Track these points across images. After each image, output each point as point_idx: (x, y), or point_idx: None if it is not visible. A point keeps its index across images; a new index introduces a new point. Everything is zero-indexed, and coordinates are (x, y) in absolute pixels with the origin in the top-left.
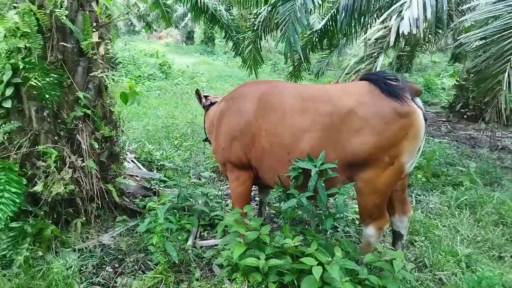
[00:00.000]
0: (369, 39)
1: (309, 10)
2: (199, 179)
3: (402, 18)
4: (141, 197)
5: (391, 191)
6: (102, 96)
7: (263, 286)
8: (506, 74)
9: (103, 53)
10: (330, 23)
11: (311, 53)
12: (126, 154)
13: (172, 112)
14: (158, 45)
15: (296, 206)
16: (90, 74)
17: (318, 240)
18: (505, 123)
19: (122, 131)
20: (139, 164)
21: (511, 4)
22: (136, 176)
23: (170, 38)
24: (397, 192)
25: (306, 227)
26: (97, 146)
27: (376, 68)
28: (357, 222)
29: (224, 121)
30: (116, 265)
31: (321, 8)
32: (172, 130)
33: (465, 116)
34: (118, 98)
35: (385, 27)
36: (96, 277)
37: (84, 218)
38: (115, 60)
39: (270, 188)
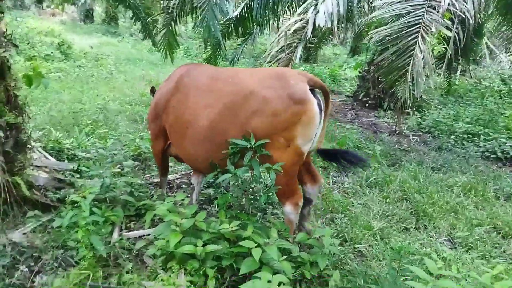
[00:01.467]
0: (288, 30)
1: None
2: (122, 169)
3: (318, 12)
4: (54, 189)
5: (296, 171)
6: (4, 78)
7: (200, 272)
8: (410, 67)
9: (4, 31)
10: (246, 10)
11: (226, 40)
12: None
13: (78, 97)
14: (52, 22)
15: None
16: None
17: (253, 223)
18: (402, 111)
19: (29, 118)
20: (47, 154)
21: (415, 4)
22: (45, 167)
23: (65, 16)
24: (304, 166)
25: (238, 211)
26: (2, 134)
27: (296, 56)
28: None
29: (153, 100)
30: (32, 264)
31: None
32: (82, 117)
33: (367, 104)
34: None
35: (301, 19)
36: (9, 278)
37: None
38: (5, 37)
39: (203, 173)
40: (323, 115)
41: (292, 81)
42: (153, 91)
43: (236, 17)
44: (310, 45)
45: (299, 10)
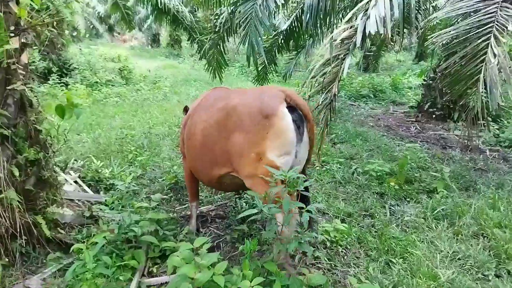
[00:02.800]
0: (334, 40)
1: (272, 11)
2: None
3: (369, 17)
4: (78, 227)
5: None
6: (25, 112)
7: None
8: (482, 74)
9: (26, 62)
10: (296, 24)
11: (277, 54)
12: (69, 174)
13: (129, 122)
14: (122, 49)
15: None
16: (8, 88)
17: (281, 279)
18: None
19: (54, 152)
20: (84, 185)
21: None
22: (78, 200)
23: (135, 41)
24: None
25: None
26: (17, 173)
27: (343, 70)
28: (328, 244)
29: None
30: None
31: (285, 8)
32: (127, 142)
33: (433, 116)
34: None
35: (351, 27)
36: None
37: (6, 259)
38: (69, 66)
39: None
40: (304, 132)
41: (266, 97)
42: (186, 110)
43: (286, 30)
44: (368, 53)
45: (347, 17)
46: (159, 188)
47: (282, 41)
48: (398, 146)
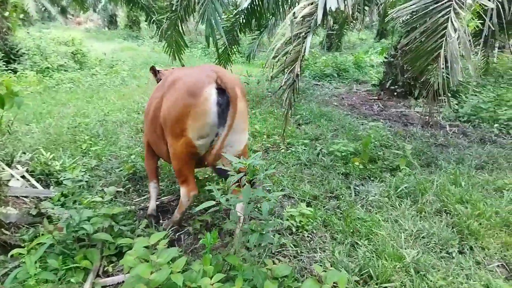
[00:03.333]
0: (295, 17)
1: None
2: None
3: None
4: (26, 226)
5: (189, 161)
6: None
7: None
8: (442, 49)
9: None
10: (257, 2)
11: (239, 34)
12: (16, 168)
13: (83, 109)
14: (76, 31)
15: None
16: None
17: (244, 273)
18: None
19: None
20: (33, 180)
21: None
22: (26, 197)
23: (90, 24)
24: None
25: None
26: None
27: (305, 48)
28: (293, 229)
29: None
30: None
31: None
32: (80, 132)
33: (395, 93)
34: None
35: (311, 3)
36: None
37: None
38: (17, 51)
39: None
40: (229, 117)
41: (197, 76)
42: (154, 70)
43: (247, 9)
44: (331, 32)
45: None
46: (116, 179)
47: (244, 20)
48: (362, 125)
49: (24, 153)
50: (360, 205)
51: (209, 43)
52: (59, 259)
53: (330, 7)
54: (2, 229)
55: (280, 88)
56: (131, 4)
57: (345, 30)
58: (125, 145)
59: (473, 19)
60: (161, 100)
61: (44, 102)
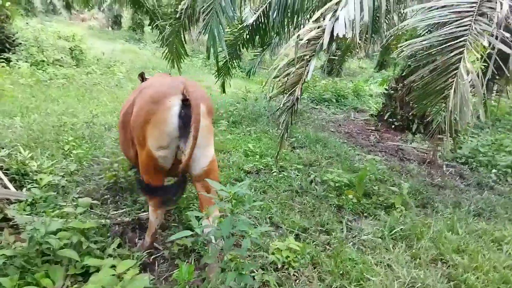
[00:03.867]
0: (301, 39)
1: (238, 1)
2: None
3: (337, 19)
4: None
5: (154, 174)
6: None
7: None
8: (452, 90)
9: None
10: (262, 19)
11: (242, 49)
12: None
13: (72, 107)
14: (79, 27)
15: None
16: None
17: None
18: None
19: None
20: (6, 179)
21: (460, 11)
22: None
23: (95, 21)
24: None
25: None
26: None
27: (308, 72)
28: (279, 265)
29: None
30: None
31: (252, 1)
32: (65, 131)
33: (393, 126)
34: None
35: (318, 27)
36: None
37: None
38: (13, 40)
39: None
40: (191, 129)
41: (165, 85)
42: (142, 77)
43: (252, 25)
44: (333, 57)
45: (314, 16)
46: (95, 187)
47: (248, 36)
48: (358, 155)
49: (3, 148)
50: (351, 243)
51: (210, 55)
52: (14, 278)
53: (337, 33)
54: None
55: (278, 109)
56: (136, 7)
57: (346, 57)
58: (110, 150)
59: (477, 60)
60: (132, 104)
61: (34, 96)
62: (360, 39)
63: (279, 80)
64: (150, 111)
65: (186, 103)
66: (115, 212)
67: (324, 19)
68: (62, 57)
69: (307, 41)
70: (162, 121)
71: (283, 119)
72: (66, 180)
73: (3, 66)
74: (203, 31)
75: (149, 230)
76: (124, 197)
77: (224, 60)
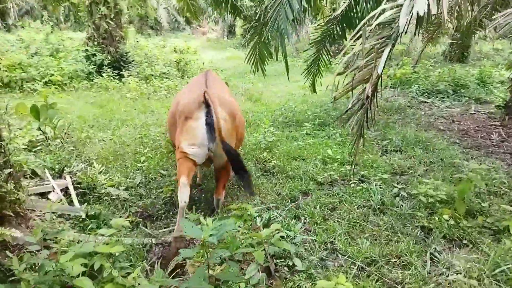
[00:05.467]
0: (369, 24)
1: None
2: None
3: None
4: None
5: (182, 164)
6: None
7: None
8: None
9: None
10: (352, 6)
11: (331, 45)
12: (65, 179)
13: (162, 117)
14: (198, 41)
15: None
16: None
17: None
18: None
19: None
20: (73, 194)
21: None
22: (54, 213)
23: (214, 33)
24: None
25: None
26: None
27: (379, 64)
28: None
29: None
30: None
31: None
32: (146, 143)
33: None
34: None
35: (396, 6)
36: None
37: None
38: (126, 58)
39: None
40: (215, 130)
41: (191, 99)
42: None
43: (340, 16)
44: (452, 41)
45: None
46: (153, 201)
47: (337, 28)
48: (469, 160)
49: (82, 162)
50: (433, 284)
51: (277, 54)
52: None
53: (417, 11)
54: (7, 251)
55: (346, 112)
56: (235, 13)
57: (467, 39)
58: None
59: None
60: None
61: (135, 109)
62: (476, 18)
63: (345, 77)
64: (184, 123)
65: (209, 111)
66: (163, 230)
67: None
68: (168, 70)
69: (379, 27)
70: (190, 127)
71: (354, 122)
72: (130, 193)
73: (117, 83)
74: (270, 29)
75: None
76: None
77: (313, 58)
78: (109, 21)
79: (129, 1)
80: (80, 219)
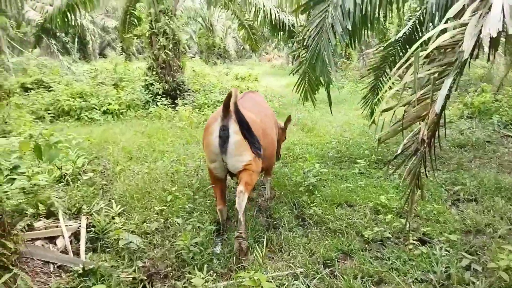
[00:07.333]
0: (424, 49)
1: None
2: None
3: (489, 10)
4: None
5: (212, 176)
6: None
7: None
8: None
9: None
10: (416, 30)
11: (391, 69)
12: (79, 221)
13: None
14: (263, 68)
15: None
16: None
17: None
18: None
19: None
20: (83, 240)
21: None
22: (54, 263)
23: (280, 60)
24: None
25: None
26: None
27: (439, 101)
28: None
29: None
30: None
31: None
32: (177, 179)
33: None
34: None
35: (460, 26)
36: None
37: None
38: (183, 87)
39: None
40: (228, 145)
41: (214, 113)
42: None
43: (402, 39)
44: None
45: (449, 13)
46: (164, 254)
47: (399, 50)
48: None
49: (110, 200)
50: None
51: (318, 85)
52: None
53: (489, 31)
54: None
55: (394, 158)
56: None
57: None
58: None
59: None
60: None
61: (181, 138)
62: None
63: (394, 111)
64: (203, 137)
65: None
66: None
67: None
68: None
69: (436, 51)
70: (207, 144)
71: (408, 168)
72: (143, 241)
73: (170, 111)
74: (311, 57)
75: None
76: (187, 271)
77: (371, 85)
78: (167, 51)
79: (197, 32)
80: (77, 273)
